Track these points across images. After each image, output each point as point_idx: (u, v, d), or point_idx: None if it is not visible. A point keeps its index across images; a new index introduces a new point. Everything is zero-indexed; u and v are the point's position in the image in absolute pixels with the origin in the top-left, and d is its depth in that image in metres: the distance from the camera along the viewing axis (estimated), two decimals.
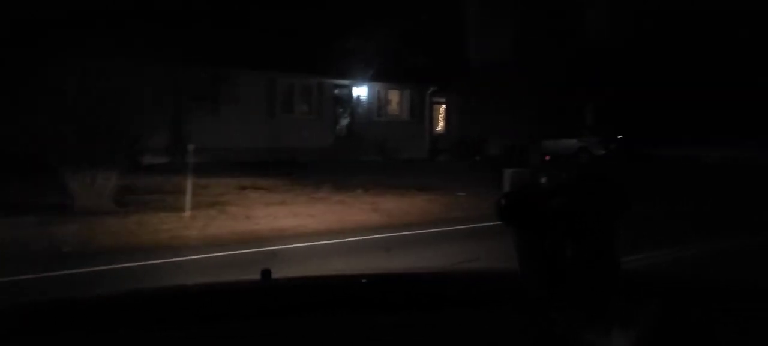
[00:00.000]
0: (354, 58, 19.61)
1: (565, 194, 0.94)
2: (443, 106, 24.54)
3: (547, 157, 14.69)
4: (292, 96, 19.77)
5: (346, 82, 20.73)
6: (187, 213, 8.48)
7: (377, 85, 21.39)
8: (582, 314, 0.94)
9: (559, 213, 0.92)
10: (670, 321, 1.15)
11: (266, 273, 1.44)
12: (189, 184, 8.80)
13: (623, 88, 25.08)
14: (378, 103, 21.87)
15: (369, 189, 12.13)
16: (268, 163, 16.73)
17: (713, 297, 1.40)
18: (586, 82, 24.07)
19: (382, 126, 21.10)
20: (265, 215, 9.06)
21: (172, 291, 1.60)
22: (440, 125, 24.72)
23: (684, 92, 24.79)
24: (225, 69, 16.83)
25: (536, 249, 0.95)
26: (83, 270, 6.03)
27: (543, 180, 0.96)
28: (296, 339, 1.20)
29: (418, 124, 22.44)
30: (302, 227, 8.63)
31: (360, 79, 20.52)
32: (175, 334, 1.21)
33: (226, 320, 1.24)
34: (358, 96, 21.14)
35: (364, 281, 1.57)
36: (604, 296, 0.95)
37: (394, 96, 22.44)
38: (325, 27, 19.10)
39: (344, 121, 21.32)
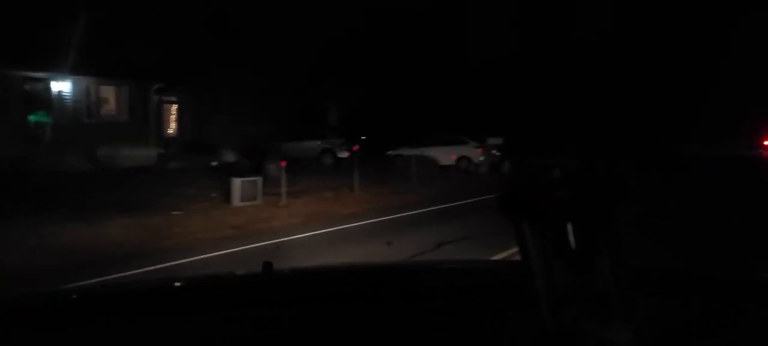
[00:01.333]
0: (53, 46, 15.81)
1: (567, 186, 0.93)
2: (175, 107, 21.58)
3: (283, 163, 13.04)
4: None
5: (41, 74, 16.67)
6: None
7: (86, 80, 17.67)
8: (587, 305, 0.95)
9: (561, 205, 0.92)
10: (672, 313, 1.18)
11: (268, 265, 1.47)
12: None
13: (368, 89, 25.11)
14: (88, 101, 18.08)
15: (42, 215, 9.09)
16: None
17: (712, 289, 1.43)
18: (330, 82, 23.40)
19: (94, 129, 17.50)
20: None
21: (178, 281, 1.68)
22: (172, 127, 21.72)
23: (422, 94, 25.78)
24: None
25: (538, 241, 0.94)
26: None
27: (555, 173, 0.94)
28: (298, 329, 1.21)
29: (142, 126, 19.20)
30: None
31: (61, 72, 16.66)
32: (180, 322, 1.23)
33: (228, 311, 1.27)
34: (60, 92, 17.18)
35: (367, 271, 1.71)
36: (609, 288, 0.93)
37: (109, 93, 18.85)
38: (11, 7, 15.08)
39: (42, 123, 17.15)
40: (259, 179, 12.35)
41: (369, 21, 23.56)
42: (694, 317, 1.20)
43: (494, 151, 20.59)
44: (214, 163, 18.57)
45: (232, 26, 19.93)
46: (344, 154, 20.23)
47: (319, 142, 21.38)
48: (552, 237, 0.92)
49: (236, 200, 11.64)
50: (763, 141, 49.28)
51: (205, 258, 7.39)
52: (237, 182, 11.82)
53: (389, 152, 20.42)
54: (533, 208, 0.93)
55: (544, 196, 0.92)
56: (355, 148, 16.25)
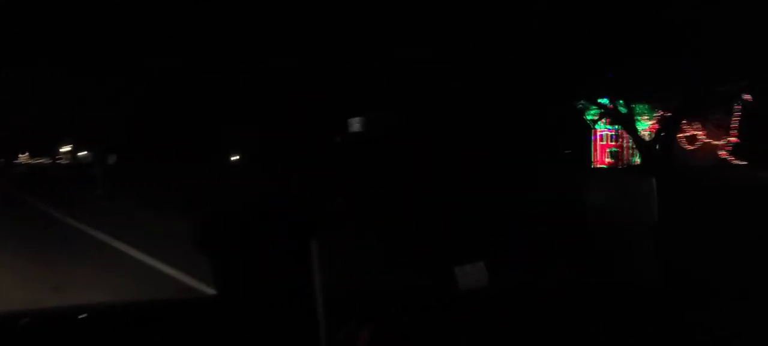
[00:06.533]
0: None
1: (265, 220, 0.95)
2: None
3: None
4: None
5: None
6: None
7: None
8: (279, 332, 0.98)
9: (251, 237, 0.95)
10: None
11: None
12: None
13: None
14: None
15: None
16: None
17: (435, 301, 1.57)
18: None
19: None
20: None
21: None
22: None
23: None
24: None
25: (230, 272, 0.95)
26: None
27: (254, 207, 0.99)
28: None
29: None
30: None
31: None
32: None
33: None
34: None
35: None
36: (298, 316, 0.94)
37: None
38: None
39: None
40: None
41: None
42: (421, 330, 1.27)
43: None
44: None
45: None
46: None
47: None
48: (245, 268, 0.94)
49: None
50: None
51: None
52: None
53: None
54: (224, 241, 0.95)
55: (235, 229, 0.95)
56: None
